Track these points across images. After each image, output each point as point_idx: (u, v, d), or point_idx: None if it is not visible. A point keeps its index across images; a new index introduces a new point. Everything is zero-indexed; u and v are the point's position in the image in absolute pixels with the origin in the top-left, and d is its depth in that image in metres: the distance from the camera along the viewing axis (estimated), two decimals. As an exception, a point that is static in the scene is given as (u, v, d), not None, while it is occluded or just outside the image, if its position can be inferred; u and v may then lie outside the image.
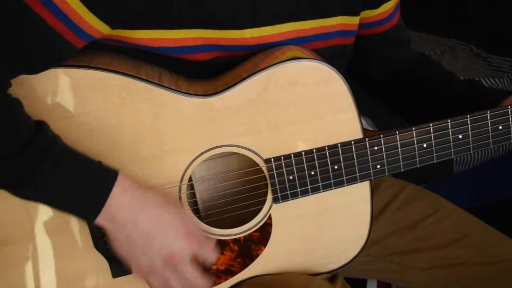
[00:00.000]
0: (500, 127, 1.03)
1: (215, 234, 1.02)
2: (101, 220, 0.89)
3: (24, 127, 0.86)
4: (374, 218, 1.10)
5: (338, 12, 1.04)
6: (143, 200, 0.90)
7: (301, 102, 0.98)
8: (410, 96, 1.20)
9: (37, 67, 0.89)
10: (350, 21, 1.06)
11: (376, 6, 1.09)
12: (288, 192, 1.01)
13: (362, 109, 1.03)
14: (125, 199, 0.88)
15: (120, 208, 0.88)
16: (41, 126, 0.87)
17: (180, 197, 0.99)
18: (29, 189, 0.86)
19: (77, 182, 0.87)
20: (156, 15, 0.91)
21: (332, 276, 1.13)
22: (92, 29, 0.88)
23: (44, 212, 0.96)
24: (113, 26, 0.90)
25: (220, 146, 0.98)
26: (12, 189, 0.87)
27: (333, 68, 0.98)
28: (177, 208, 0.93)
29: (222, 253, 1.04)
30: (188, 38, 0.95)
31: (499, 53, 2.16)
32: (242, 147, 0.99)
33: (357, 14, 1.07)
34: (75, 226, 0.97)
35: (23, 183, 0.85)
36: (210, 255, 0.95)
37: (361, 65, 1.12)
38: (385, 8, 1.10)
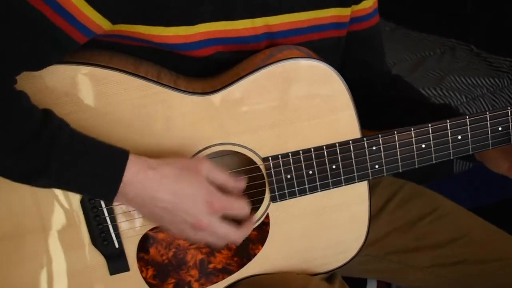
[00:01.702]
0: (500, 128, 1.02)
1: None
2: (121, 201, 0.92)
3: (32, 115, 0.86)
4: (372, 217, 1.10)
5: (333, 4, 1.05)
6: (158, 177, 0.90)
7: (300, 101, 0.98)
8: (387, 110, 1.20)
9: (40, 64, 0.89)
10: (343, 13, 1.07)
11: (357, 1, 1.10)
12: (286, 191, 1.01)
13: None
14: (138, 183, 0.89)
15: (135, 192, 0.89)
16: (47, 113, 0.88)
17: None
18: (46, 179, 0.87)
19: (89, 169, 0.88)
20: (156, 10, 0.91)
21: (330, 276, 1.13)
22: (93, 24, 0.88)
23: (41, 209, 0.96)
24: (114, 21, 0.90)
25: (218, 144, 0.98)
26: (28, 181, 0.88)
27: (332, 67, 0.97)
28: (195, 175, 0.92)
29: (219, 252, 1.04)
30: (189, 35, 0.95)
31: (499, 53, 2.16)
32: (240, 145, 0.98)
33: (348, 6, 1.07)
34: (73, 223, 0.97)
35: (39, 173, 0.86)
36: (238, 210, 0.95)
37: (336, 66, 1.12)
38: (365, 5, 1.11)
